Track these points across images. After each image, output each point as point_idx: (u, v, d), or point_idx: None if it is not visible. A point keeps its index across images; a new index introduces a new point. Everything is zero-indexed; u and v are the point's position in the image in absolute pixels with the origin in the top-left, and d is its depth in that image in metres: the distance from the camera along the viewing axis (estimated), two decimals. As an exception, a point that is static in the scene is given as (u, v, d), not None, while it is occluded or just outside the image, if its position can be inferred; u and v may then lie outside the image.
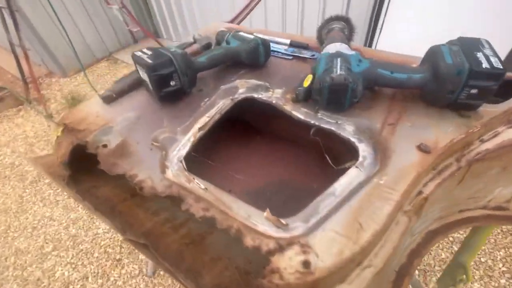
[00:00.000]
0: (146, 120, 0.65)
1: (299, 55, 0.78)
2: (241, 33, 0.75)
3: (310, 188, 0.71)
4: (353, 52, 0.61)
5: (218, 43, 0.82)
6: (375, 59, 0.61)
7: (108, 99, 0.69)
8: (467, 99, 0.54)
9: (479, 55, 0.53)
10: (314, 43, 0.81)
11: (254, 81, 0.72)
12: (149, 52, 0.64)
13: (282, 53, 0.80)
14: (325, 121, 0.60)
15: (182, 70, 0.64)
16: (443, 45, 0.57)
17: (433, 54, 0.57)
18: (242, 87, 0.71)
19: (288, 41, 0.83)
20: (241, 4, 1.12)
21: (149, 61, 0.61)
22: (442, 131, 0.54)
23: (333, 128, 0.58)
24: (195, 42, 0.86)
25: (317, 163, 0.74)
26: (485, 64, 0.51)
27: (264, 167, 0.79)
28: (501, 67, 0.50)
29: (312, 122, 0.60)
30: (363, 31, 2.13)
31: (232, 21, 1.06)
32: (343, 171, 0.51)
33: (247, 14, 1.10)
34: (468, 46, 0.55)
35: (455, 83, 0.52)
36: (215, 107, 0.67)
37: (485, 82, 0.51)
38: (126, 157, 0.58)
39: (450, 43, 0.58)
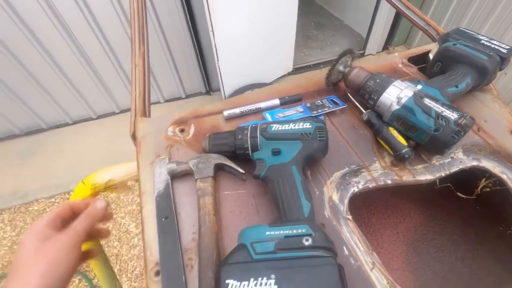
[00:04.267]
0: None
1: (326, 110, 0.60)
2: (278, 127, 0.48)
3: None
4: (420, 86, 0.54)
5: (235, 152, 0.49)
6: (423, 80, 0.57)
7: None
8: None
9: (482, 41, 0.61)
10: (301, 89, 0.66)
11: (338, 173, 0.51)
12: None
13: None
14: (446, 164, 0.53)
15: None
16: (453, 43, 0.61)
17: (460, 56, 0.59)
18: (330, 189, 0.49)
19: (276, 101, 0.63)
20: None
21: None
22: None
23: (460, 166, 0.53)
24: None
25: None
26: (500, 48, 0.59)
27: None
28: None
29: (440, 174, 0.52)
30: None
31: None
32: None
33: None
34: (466, 38, 0.62)
35: (496, 72, 0.59)
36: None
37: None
38: None
39: (453, 38, 0.62)
